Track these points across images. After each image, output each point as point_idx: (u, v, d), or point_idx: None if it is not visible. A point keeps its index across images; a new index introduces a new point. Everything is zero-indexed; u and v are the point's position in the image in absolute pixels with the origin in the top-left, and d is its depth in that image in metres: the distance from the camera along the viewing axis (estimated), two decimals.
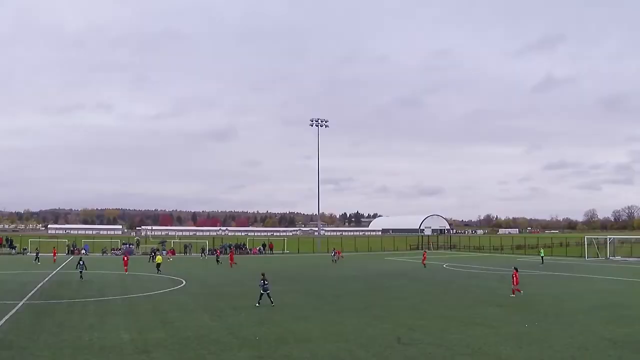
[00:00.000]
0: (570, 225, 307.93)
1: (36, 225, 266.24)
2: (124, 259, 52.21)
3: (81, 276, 43.70)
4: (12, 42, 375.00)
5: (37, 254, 64.94)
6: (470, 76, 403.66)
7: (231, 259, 63.02)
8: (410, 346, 19.86)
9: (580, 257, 77.90)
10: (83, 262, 45.41)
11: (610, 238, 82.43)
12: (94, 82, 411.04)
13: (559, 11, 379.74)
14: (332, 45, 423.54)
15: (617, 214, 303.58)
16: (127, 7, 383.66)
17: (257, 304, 29.36)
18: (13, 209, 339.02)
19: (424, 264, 61.79)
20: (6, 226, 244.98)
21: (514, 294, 34.03)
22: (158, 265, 50.01)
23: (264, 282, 30.04)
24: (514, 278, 34.61)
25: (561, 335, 21.86)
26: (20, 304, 29.49)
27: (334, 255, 71.24)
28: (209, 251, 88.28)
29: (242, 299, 33.22)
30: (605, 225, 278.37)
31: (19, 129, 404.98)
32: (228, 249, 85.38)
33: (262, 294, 29.67)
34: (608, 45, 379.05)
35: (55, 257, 65.63)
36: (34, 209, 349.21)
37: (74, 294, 34.82)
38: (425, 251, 72.27)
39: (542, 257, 66.69)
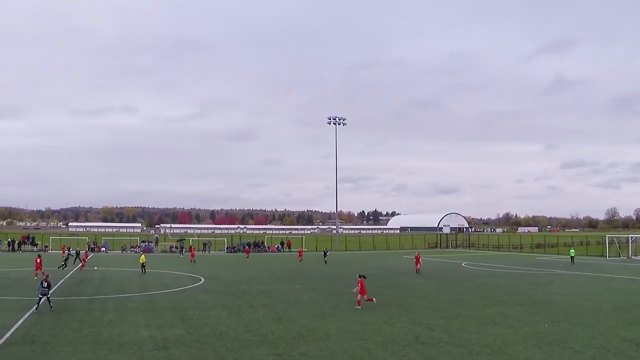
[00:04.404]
0: (591, 223, 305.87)
1: (57, 223, 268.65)
2: (36, 260, 43.97)
3: None
4: (44, 45, 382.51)
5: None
6: (486, 77, 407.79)
7: (192, 255, 64.94)
8: (429, 345, 19.78)
9: (602, 256, 77.17)
10: None
11: (632, 237, 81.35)
12: (121, 85, 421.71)
13: (572, 14, 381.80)
14: (351, 49, 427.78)
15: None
16: (154, 15, 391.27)
17: (35, 309, 26.45)
18: (35, 207, 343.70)
19: (418, 270, 50.37)
20: (28, 224, 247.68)
21: (359, 305, 28.82)
22: (143, 265, 48.02)
23: (44, 284, 27.12)
24: (360, 287, 29.43)
25: (581, 335, 21.68)
26: (43, 299, 29.73)
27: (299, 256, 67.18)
28: (228, 248, 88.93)
29: (260, 296, 33.30)
30: (627, 224, 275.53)
31: (45, 130, 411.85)
32: (246, 246, 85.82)
33: (41, 298, 26.77)
34: (621, 46, 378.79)
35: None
36: (55, 207, 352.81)
37: (94, 291, 35.11)
38: (418, 254, 54.33)
39: (572, 257, 65.83)
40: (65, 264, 51.62)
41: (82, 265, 50.68)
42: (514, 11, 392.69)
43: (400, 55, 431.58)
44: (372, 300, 29.48)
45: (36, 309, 26.44)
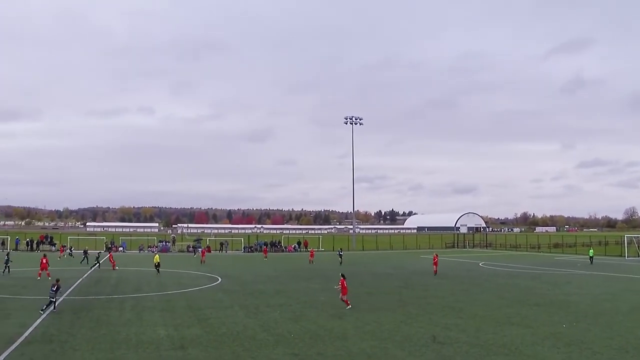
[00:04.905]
0: (610, 223, 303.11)
1: (75, 223, 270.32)
2: (42, 260, 42.16)
3: (8, 271, 44.37)
4: (60, 46, 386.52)
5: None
6: (502, 76, 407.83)
7: (202, 255, 64.11)
8: (446, 345, 19.72)
9: (620, 256, 76.52)
10: (9, 257, 46.16)
11: None
12: (137, 86, 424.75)
13: (588, 13, 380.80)
14: (367, 49, 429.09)
15: None
16: (170, 16, 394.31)
17: (47, 310, 26.22)
18: (53, 207, 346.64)
19: (435, 270, 48.69)
20: (46, 224, 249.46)
21: (348, 305, 28.51)
22: (157, 265, 47.47)
23: (53, 287, 27.11)
24: (343, 287, 29.10)
25: (600, 336, 21.52)
26: (60, 300, 29.94)
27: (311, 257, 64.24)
28: (245, 248, 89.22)
29: (276, 296, 33.35)
30: None
31: (63, 130, 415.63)
32: (263, 246, 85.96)
33: (52, 301, 26.61)
34: (639, 44, 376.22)
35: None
36: (73, 207, 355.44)
37: (111, 291, 35.32)
38: (436, 254, 53.16)
39: (591, 257, 65.19)
40: (98, 262, 51.97)
41: (113, 264, 50.94)
42: (529, 11, 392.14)
43: (416, 55, 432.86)
44: (348, 303, 28.66)
45: (54, 308, 26.52)
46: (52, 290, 26.96)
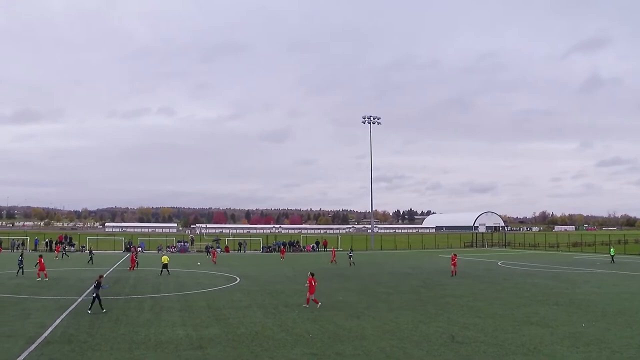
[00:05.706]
0: (629, 222, 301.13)
1: (94, 224, 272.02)
2: (40, 261, 41.59)
3: (21, 272, 42.96)
4: (81, 48, 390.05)
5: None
6: (520, 75, 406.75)
7: (214, 256, 64.03)
8: (464, 345, 19.66)
9: None
10: (22, 258, 44.99)
11: None
12: (158, 87, 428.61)
13: (606, 11, 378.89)
14: (385, 49, 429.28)
15: None
16: (190, 18, 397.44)
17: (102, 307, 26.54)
18: (72, 207, 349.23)
19: (454, 271, 47.07)
20: (65, 224, 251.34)
21: (307, 304, 28.77)
22: (165, 265, 46.81)
23: (96, 284, 27.12)
24: (310, 285, 29.21)
25: (620, 335, 21.35)
26: (79, 300, 30.22)
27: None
28: (263, 248, 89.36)
29: (295, 296, 33.34)
30: None
31: (82, 131, 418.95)
32: (281, 246, 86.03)
33: (95, 298, 26.64)
34: None
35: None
36: (92, 207, 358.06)
37: (130, 291, 35.53)
38: (454, 254, 51.28)
39: (612, 255, 64.74)
40: (134, 263, 52.55)
41: (132, 266, 51.22)
42: (546, 10, 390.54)
43: (433, 55, 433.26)
44: (308, 302, 28.91)
45: (90, 308, 26.41)
46: (94, 287, 27.03)
